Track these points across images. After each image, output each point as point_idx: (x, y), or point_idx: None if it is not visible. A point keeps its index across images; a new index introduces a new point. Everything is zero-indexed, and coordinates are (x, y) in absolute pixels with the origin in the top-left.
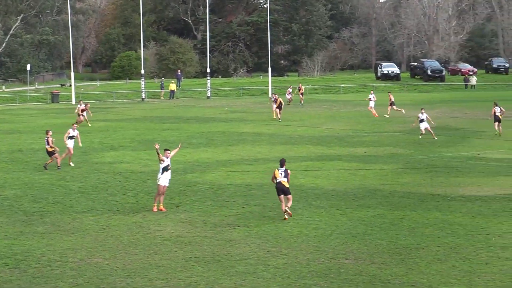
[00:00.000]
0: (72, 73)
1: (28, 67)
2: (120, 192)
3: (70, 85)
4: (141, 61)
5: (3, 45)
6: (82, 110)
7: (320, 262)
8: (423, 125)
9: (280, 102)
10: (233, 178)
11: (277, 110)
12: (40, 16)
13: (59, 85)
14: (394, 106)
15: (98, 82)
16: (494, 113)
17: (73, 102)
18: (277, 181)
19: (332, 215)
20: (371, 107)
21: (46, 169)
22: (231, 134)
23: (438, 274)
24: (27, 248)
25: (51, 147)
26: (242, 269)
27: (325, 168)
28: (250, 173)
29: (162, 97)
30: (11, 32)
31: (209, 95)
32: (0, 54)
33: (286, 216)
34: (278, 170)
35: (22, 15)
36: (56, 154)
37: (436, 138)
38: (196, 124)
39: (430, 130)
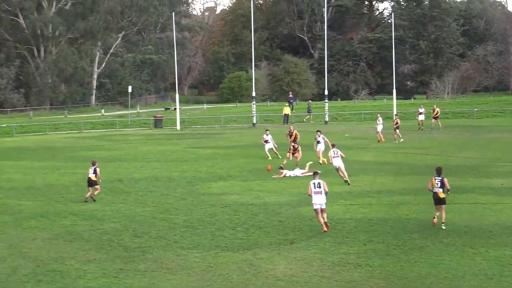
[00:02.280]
0: (177, 96)
1: (130, 89)
2: (228, 226)
3: (175, 108)
4: (252, 82)
5: (103, 65)
6: None
7: None
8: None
9: (296, 135)
10: (354, 211)
11: (291, 149)
12: (143, 33)
13: (163, 109)
14: (397, 130)
15: (205, 106)
16: None
17: (178, 127)
18: (434, 190)
19: (464, 254)
20: (378, 132)
21: (87, 201)
22: (351, 163)
23: None
24: (127, 287)
25: (96, 177)
26: None
27: (456, 202)
28: (372, 207)
29: (310, 121)
30: (111, 51)
31: (327, 119)
32: (100, 75)
33: (443, 227)
34: (435, 179)
35: (123, 33)
36: (97, 186)
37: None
38: (312, 152)
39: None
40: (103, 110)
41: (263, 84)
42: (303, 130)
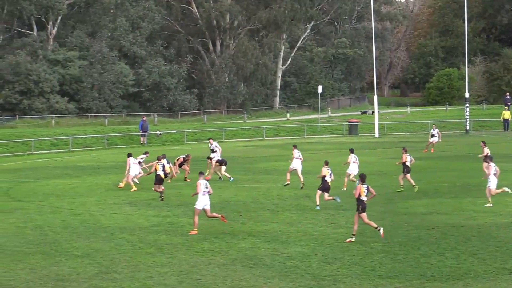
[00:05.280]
0: (375, 97)
1: (319, 89)
2: (436, 252)
3: (373, 112)
4: (465, 81)
5: (289, 61)
6: None
7: None
8: None
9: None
10: None
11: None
12: (336, 24)
13: (359, 113)
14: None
15: (408, 109)
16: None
17: (376, 134)
18: None
19: None
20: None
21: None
22: None
23: None
24: None
25: None
26: None
27: None
28: None
29: None
30: (298, 44)
31: None
32: (285, 73)
33: None
34: None
35: (312, 23)
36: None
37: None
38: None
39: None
40: (288, 114)
41: (478, 84)
42: None
